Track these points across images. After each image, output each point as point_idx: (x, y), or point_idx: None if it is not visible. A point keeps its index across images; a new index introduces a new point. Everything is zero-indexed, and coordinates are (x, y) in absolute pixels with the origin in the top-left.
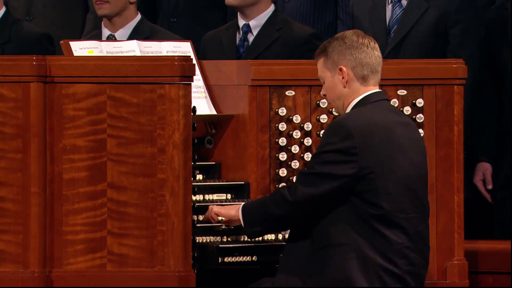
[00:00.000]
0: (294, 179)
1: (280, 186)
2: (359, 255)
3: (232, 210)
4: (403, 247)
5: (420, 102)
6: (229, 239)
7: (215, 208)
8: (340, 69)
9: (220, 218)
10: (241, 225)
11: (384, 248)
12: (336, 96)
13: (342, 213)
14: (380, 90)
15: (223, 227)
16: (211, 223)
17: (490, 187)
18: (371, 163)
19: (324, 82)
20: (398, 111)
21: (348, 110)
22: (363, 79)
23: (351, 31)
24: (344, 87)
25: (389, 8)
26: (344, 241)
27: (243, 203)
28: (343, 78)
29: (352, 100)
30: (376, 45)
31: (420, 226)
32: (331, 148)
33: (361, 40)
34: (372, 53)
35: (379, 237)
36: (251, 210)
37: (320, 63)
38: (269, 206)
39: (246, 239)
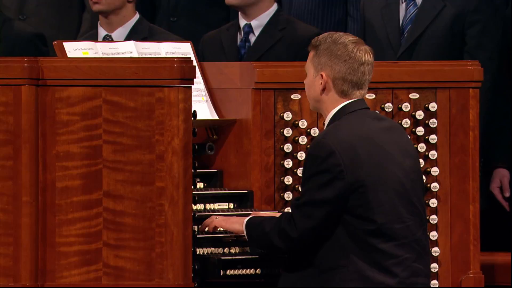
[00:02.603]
0: (300, 188)
1: (283, 195)
2: (359, 276)
3: (235, 224)
4: (403, 259)
5: (433, 106)
6: (231, 250)
7: (217, 223)
8: (321, 75)
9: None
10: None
11: (383, 263)
12: (313, 97)
13: (337, 234)
14: (360, 98)
15: (232, 239)
16: (213, 233)
17: (507, 194)
18: (359, 176)
19: (307, 75)
20: (380, 116)
21: (327, 121)
22: (342, 93)
23: (352, 37)
24: (321, 94)
25: (402, 7)
26: (343, 263)
27: (246, 218)
28: (321, 84)
29: (331, 109)
30: (370, 59)
31: (418, 233)
32: (315, 170)
33: (354, 52)
34: (361, 69)
35: (378, 253)
36: (254, 235)
37: (310, 56)
38: (274, 238)
39: (249, 250)
